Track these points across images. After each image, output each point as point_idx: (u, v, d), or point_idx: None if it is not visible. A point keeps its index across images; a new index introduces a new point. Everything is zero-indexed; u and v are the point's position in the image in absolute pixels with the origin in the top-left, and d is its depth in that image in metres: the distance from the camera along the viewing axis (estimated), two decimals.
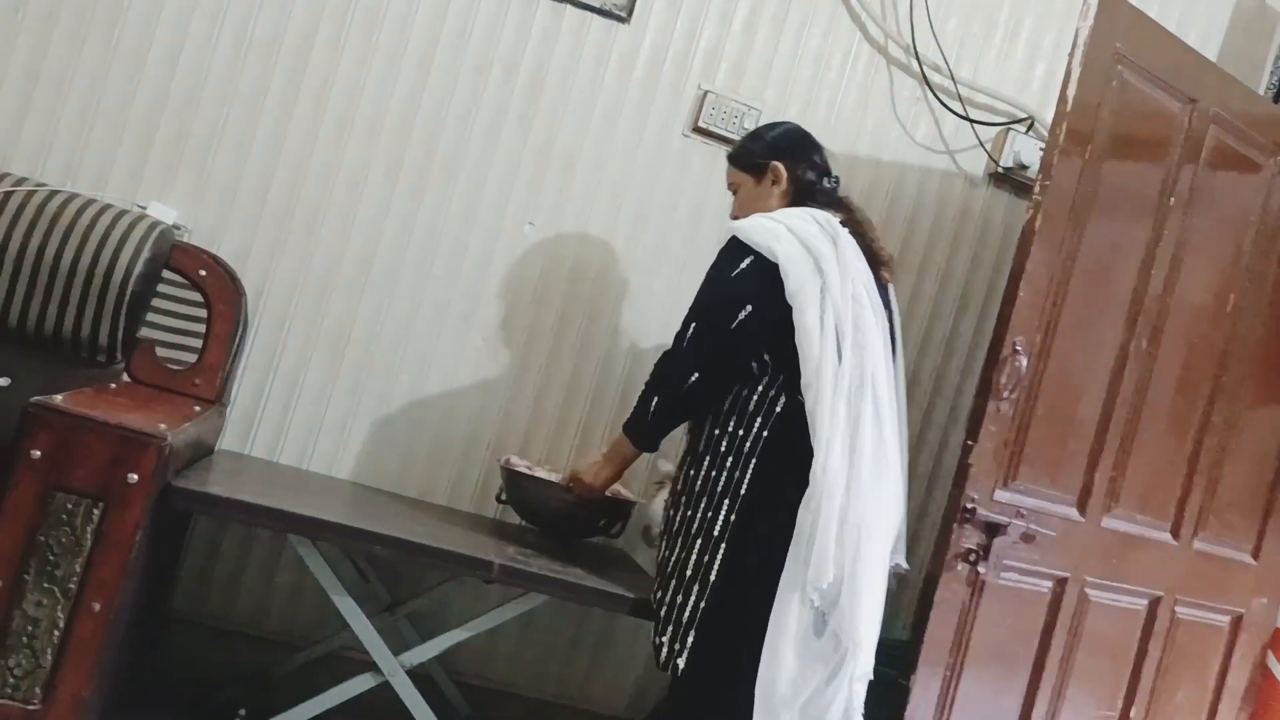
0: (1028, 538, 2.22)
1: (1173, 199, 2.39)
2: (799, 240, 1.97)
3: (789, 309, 1.93)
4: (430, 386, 2.60)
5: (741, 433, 1.95)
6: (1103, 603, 2.43)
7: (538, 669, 2.71)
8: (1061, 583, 2.34)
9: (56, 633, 1.71)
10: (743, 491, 1.93)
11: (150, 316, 2.32)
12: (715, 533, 1.93)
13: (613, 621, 2.69)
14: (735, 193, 2.24)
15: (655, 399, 2.03)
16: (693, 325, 1.99)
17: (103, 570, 1.72)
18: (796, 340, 1.91)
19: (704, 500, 1.96)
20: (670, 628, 1.94)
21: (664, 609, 1.98)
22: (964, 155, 2.84)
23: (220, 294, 2.36)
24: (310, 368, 2.54)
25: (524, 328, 2.64)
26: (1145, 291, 2.37)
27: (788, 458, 1.92)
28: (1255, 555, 2.75)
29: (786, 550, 1.88)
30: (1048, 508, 2.29)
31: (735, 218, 2.13)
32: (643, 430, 2.08)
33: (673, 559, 1.98)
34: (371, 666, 2.08)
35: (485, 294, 2.61)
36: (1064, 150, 2.14)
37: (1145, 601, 2.53)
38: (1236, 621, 2.75)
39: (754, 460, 1.94)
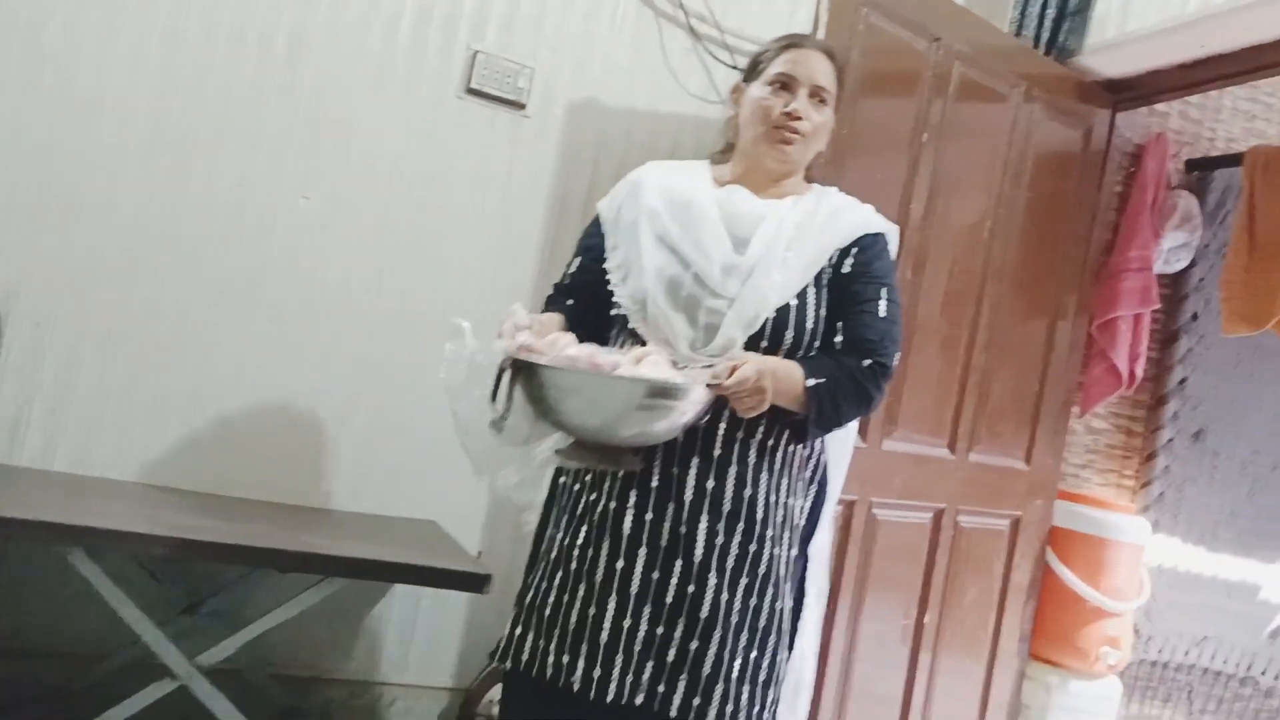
0: None
1: (926, 134, 2.52)
2: None
3: None
4: (214, 373, 2.49)
5: (798, 454, 1.68)
6: (890, 520, 2.59)
7: (353, 650, 2.67)
8: (850, 505, 2.48)
9: None
10: (803, 521, 1.70)
11: None
12: (783, 571, 1.65)
13: (421, 594, 2.67)
14: (821, 101, 1.71)
15: (854, 418, 1.66)
16: (897, 356, 1.66)
17: None
18: None
19: (786, 534, 1.65)
20: (748, 687, 1.60)
21: (737, 669, 1.59)
22: None
23: None
24: (81, 366, 2.40)
25: (310, 303, 2.56)
26: (907, 223, 2.51)
27: (818, 475, 1.75)
28: (1027, 460, 2.98)
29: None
30: None
31: (790, 136, 1.68)
32: (822, 427, 1.62)
33: (735, 605, 1.59)
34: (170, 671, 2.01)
35: (265, 274, 2.52)
36: None
37: (929, 515, 2.71)
38: (1015, 524, 2.98)
39: (814, 487, 1.72)
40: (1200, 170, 3.52)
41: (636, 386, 1.42)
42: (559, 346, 1.50)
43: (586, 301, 1.73)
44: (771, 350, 1.59)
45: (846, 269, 1.66)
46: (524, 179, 2.73)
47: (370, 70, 2.57)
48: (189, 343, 2.47)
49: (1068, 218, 2.99)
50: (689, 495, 1.58)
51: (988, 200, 2.73)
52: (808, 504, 1.71)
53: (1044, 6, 3.03)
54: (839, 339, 1.62)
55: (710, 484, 1.59)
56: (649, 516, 1.59)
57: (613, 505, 1.61)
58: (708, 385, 1.46)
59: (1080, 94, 2.96)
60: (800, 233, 1.66)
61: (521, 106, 2.71)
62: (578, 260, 1.79)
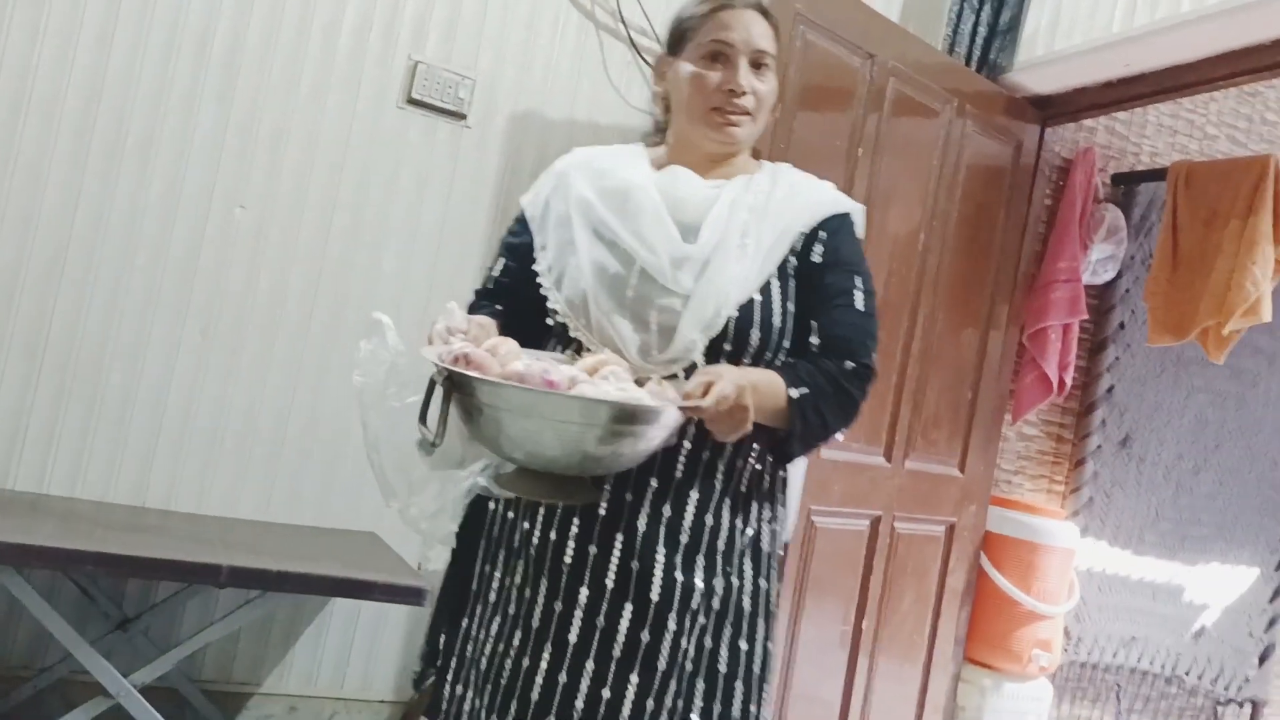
0: None
1: (861, 148, 2.57)
2: None
3: None
4: (144, 385, 2.45)
5: (768, 474, 1.48)
6: (829, 527, 2.63)
7: (290, 664, 2.63)
8: None
9: None
10: (776, 549, 1.51)
11: None
12: (750, 607, 1.45)
13: (360, 607, 2.65)
14: (762, 67, 1.47)
15: (838, 430, 1.44)
16: (876, 355, 1.45)
17: None
18: None
19: (751, 564, 1.45)
20: None
21: None
22: None
23: None
24: (4, 379, 2.34)
25: (243, 313, 2.53)
26: None
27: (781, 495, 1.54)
28: (961, 468, 3.04)
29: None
30: None
31: (735, 118, 1.45)
32: (807, 444, 1.43)
33: (692, 653, 1.39)
34: (103, 689, 1.97)
35: (198, 283, 2.48)
36: None
37: (867, 522, 2.75)
38: (950, 530, 3.04)
39: (781, 508, 1.52)
40: (1126, 184, 3.62)
41: (598, 410, 1.17)
42: (501, 355, 1.25)
43: (515, 307, 1.50)
44: (735, 354, 1.39)
45: (816, 257, 1.45)
46: (465, 190, 2.73)
47: (308, 79, 2.55)
48: (117, 354, 2.42)
49: (999, 230, 3.06)
50: (642, 524, 1.37)
51: (921, 213, 2.78)
52: (777, 528, 1.50)
53: (975, 25, 3.10)
54: (814, 339, 1.42)
55: (667, 511, 1.38)
56: (593, 550, 1.37)
57: (552, 536, 1.39)
58: (681, 408, 1.22)
59: (1010, 110, 3.04)
60: (756, 216, 1.44)
61: (463, 117, 2.70)
62: (501, 262, 1.56)
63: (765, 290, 1.41)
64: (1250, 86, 3.81)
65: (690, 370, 1.35)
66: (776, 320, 1.41)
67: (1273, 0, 2.37)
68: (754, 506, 1.45)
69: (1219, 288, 3.08)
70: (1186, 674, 3.87)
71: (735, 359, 1.38)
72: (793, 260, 1.44)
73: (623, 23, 2.82)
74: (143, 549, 1.90)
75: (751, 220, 1.43)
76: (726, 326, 1.38)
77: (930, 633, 3.02)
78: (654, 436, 1.23)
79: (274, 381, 2.56)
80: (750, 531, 1.45)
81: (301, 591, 1.96)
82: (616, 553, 1.37)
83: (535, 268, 1.49)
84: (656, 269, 1.39)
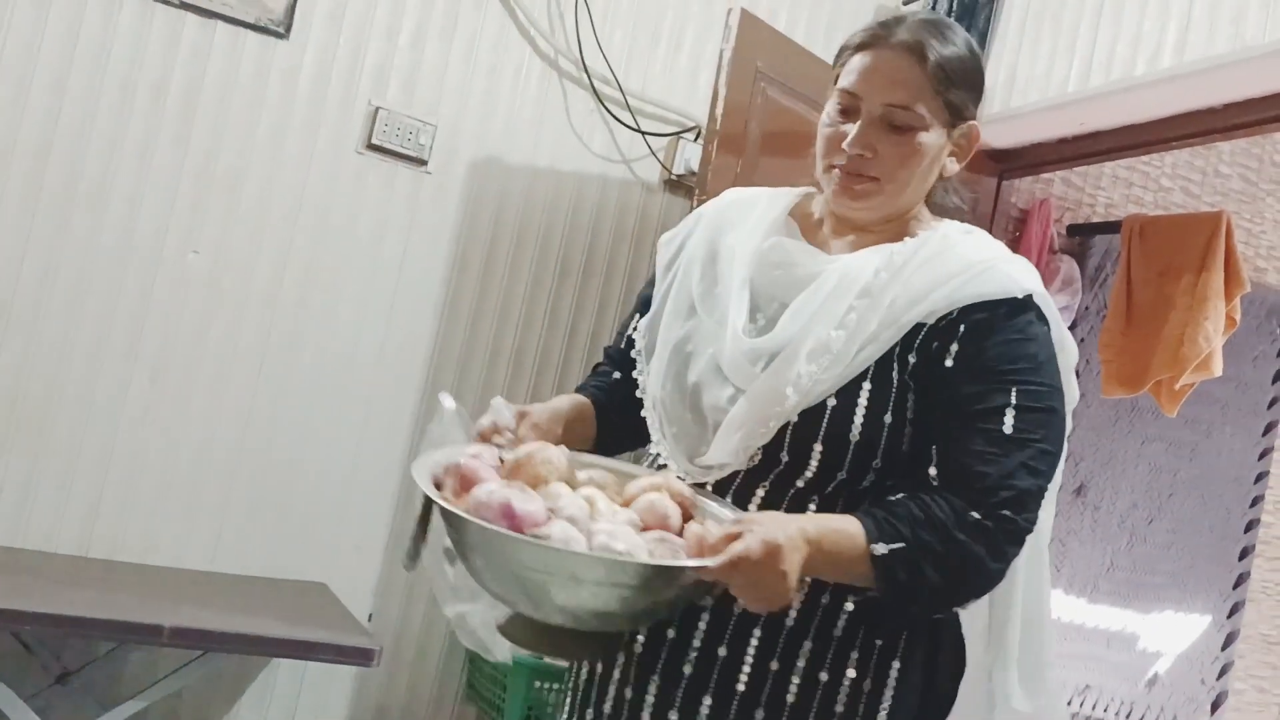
0: None
1: None
2: None
3: None
4: (91, 432, 2.40)
5: (868, 622, 1.14)
6: None
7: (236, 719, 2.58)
8: None
9: None
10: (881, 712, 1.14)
11: None
12: None
13: (305, 664, 2.58)
14: (896, 127, 1.17)
15: (960, 603, 1.11)
16: (1036, 502, 1.08)
17: None
18: None
19: None
20: None
21: None
22: (639, 164, 2.93)
23: None
24: None
25: (194, 359, 2.49)
26: None
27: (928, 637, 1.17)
28: None
29: None
30: None
31: (852, 182, 1.18)
32: (905, 611, 1.11)
33: None
34: None
35: (148, 329, 2.45)
36: (716, 167, 2.28)
37: None
38: None
39: (893, 663, 1.15)
40: (1081, 235, 3.67)
41: (552, 559, 0.94)
42: (532, 464, 1.04)
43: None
44: (791, 471, 1.11)
45: (949, 360, 1.10)
46: (424, 236, 2.71)
47: (268, 123, 2.54)
48: (64, 401, 2.38)
49: None
50: (689, 668, 1.13)
51: None
52: (888, 686, 1.13)
53: None
54: (932, 470, 1.08)
55: (723, 652, 1.13)
56: (629, 693, 1.17)
57: (599, 671, 1.21)
58: (687, 568, 0.97)
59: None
60: (869, 300, 1.12)
61: (423, 163, 2.69)
62: (635, 317, 1.32)
63: (847, 394, 1.10)
64: None
65: (732, 481, 1.12)
66: (855, 433, 1.09)
67: (1224, 66, 2.41)
68: (813, 644, 1.12)
69: (1172, 342, 3.12)
70: None
71: (790, 476, 1.11)
72: (910, 359, 1.11)
73: (585, 71, 2.83)
74: (84, 607, 1.86)
75: (860, 306, 1.12)
76: (784, 435, 1.10)
77: None
78: (651, 596, 0.99)
79: (224, 430, 2.52)
80: (805, 676, 1.11)
81: (245, 652, 1.92)
82: (650, 698, 1.15)
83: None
84: (724, 358, 1.15)
